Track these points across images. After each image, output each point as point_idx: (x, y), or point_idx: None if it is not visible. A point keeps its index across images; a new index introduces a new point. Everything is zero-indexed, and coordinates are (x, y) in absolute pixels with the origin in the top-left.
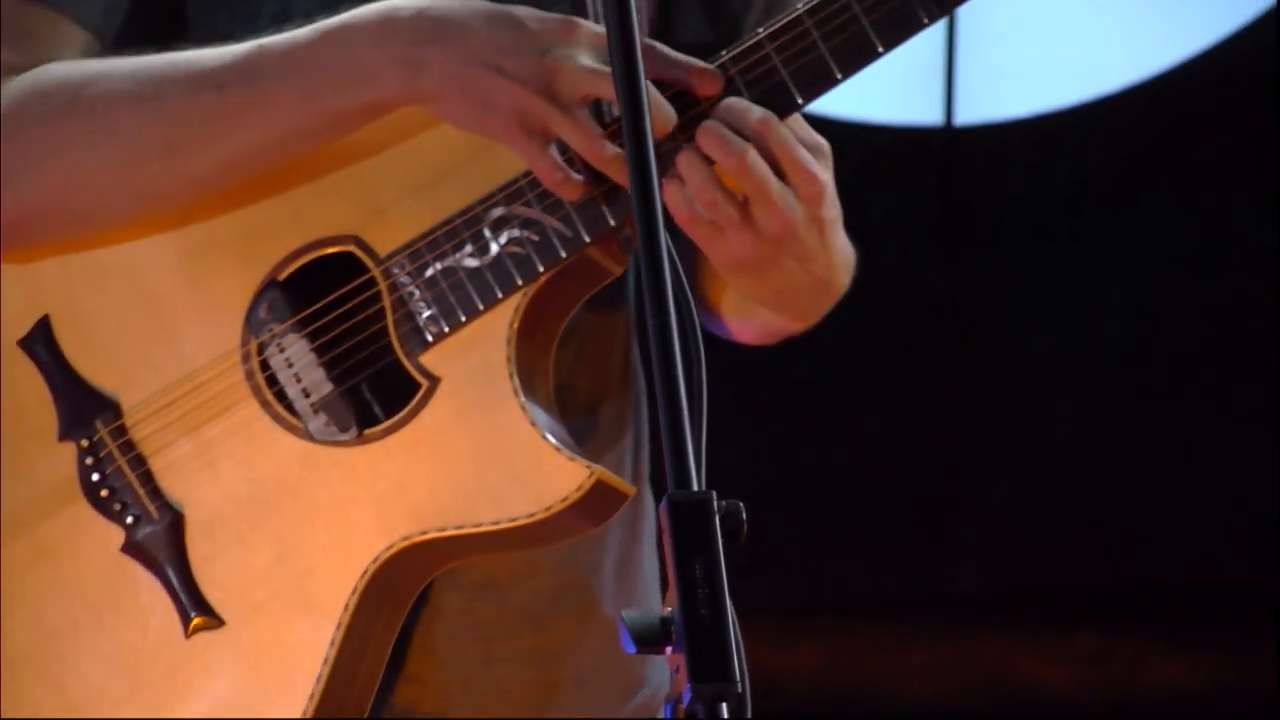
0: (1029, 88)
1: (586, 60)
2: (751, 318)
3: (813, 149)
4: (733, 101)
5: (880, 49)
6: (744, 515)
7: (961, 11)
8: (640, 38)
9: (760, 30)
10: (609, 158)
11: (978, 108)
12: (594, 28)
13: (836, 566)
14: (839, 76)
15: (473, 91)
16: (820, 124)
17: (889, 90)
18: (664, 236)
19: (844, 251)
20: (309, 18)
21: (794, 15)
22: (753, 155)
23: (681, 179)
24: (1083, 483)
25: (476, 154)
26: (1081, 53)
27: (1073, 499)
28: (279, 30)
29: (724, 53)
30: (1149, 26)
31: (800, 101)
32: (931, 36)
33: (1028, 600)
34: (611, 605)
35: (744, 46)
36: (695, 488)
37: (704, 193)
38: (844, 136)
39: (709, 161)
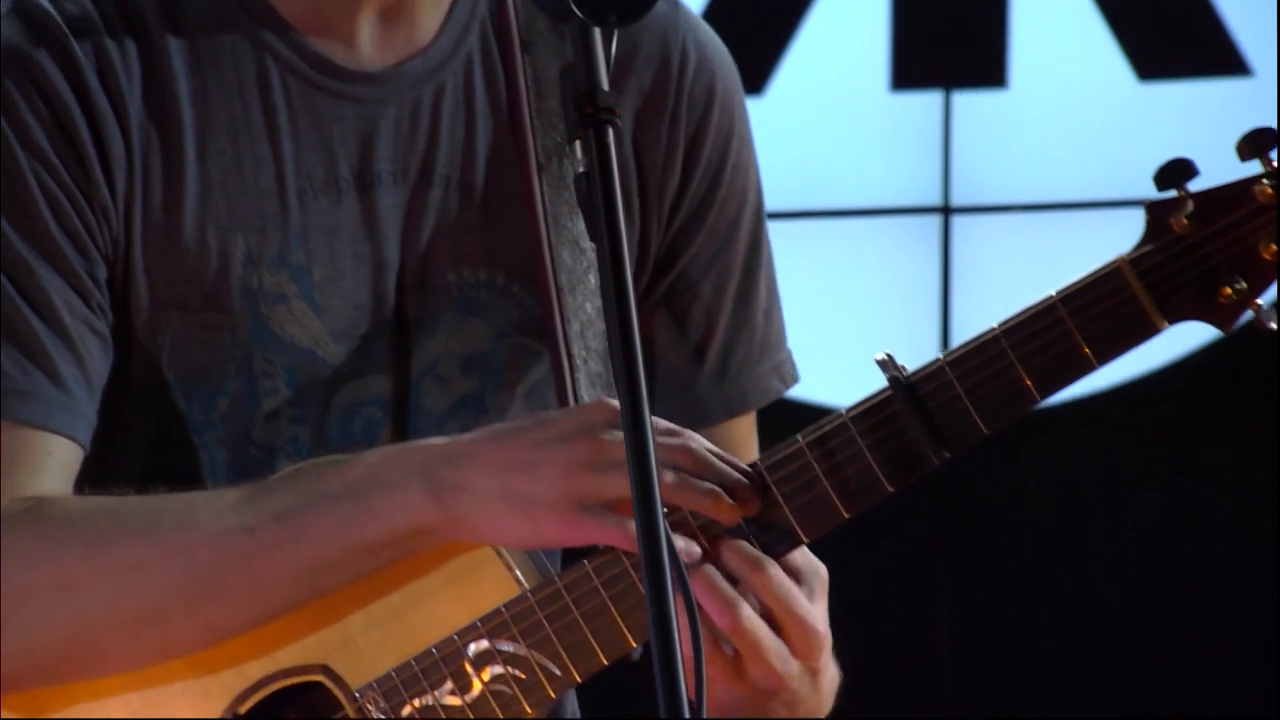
0: None
1: (619, 433)
2: None
3: (807, 575)
4: (727, 544)
5: (889, 487)
6: None
7: (952, 311)
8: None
9: (759, 460)
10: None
11: None
12: (616, 405)
13: None
14: (844, 514)
15: (516, 496)
16: (820, 409)
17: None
18: (663, 524)
19: (831, 685)
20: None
21: (794, 446)
22: (746, 612)
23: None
24: None
25: (450, 580)
26: None
27: None
28: (240, 401)
29: None
30: None
31: (804, 539)
32: (925, 327)
33: None
34: None
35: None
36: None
37: (689, 645)
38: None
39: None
